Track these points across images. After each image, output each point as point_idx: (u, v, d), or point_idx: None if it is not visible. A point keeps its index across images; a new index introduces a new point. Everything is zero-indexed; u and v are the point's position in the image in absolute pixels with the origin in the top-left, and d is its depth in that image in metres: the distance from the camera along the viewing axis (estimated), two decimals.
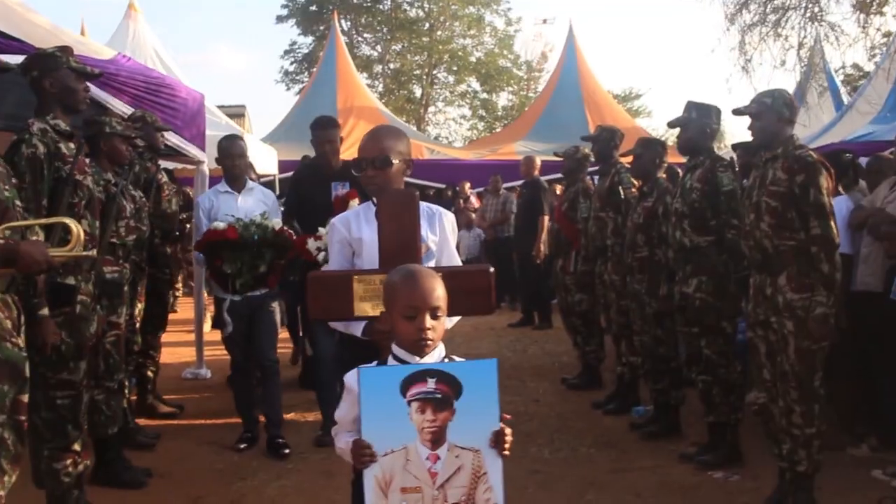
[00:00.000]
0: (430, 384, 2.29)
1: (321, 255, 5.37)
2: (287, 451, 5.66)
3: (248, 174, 6.66)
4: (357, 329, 3.06)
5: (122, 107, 6.06)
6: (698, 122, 5.44)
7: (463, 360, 2.50)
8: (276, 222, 5.69)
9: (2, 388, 3.17)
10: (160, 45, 13.08)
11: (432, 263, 3.13)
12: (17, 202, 3.43)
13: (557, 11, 45.30)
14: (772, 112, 4.53)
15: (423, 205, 3.24)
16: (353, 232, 3.24)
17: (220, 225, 5.50)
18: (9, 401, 3.23)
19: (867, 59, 12.63)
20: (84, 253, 3.58)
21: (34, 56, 4.21)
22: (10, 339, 3.24)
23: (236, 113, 20.32)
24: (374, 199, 3.17)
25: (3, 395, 3.18)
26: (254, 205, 5.89)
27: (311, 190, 6.15)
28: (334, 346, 5.66)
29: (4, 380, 3.19)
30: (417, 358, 2.45)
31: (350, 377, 2.44)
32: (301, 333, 8.00)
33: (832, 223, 4.33)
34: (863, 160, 7.16)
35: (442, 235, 3.32)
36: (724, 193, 5.24)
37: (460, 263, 3.46)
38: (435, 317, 2.43)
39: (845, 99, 15.38)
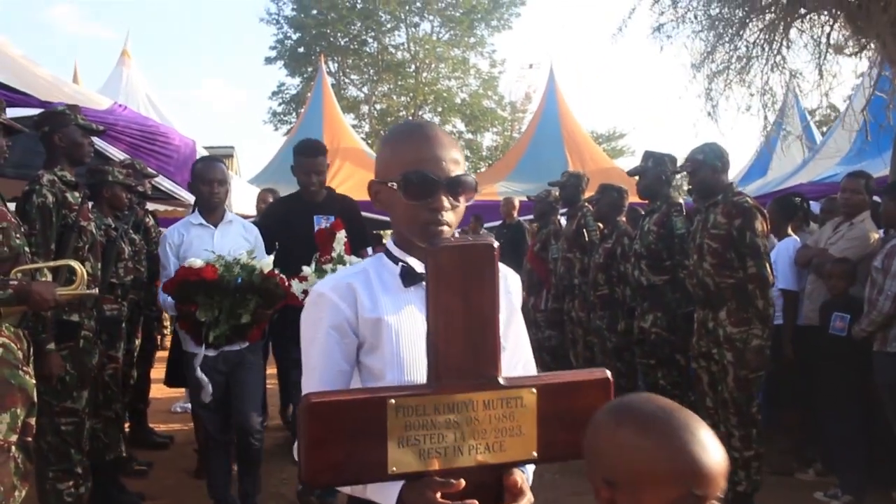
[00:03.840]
0: None
1: None
2: None
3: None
4: (388, 496, 1.75)
5: (119, 154, 6.47)
6: (654, 170, 5.90)
7: None
8: (266, 263, 4.68)
9: (16, 412, 3.57)
10: (152, 91, 13.56)
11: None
12: (27, 248, 3.85)
13: (544, 54, 45.98)
14: (706, 166, 5.00)
15: None
16: (365, 308, 1.91)
17: (198, 262, 4.52)
18: (20, 423, 3.63)
19: (823, 103, 13.04)
20: (87, 291, 4.00)
21: (46, 113, 4.66)
22: (23, 368, 3.65)
23: (225, 154, 20.65)
24: (383, 250, 2.05)
25: (16, 418, 3.58)
26: (233, 242, 4.91)
27: (291, 224, 5.28)
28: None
29: (18, 404, 3.59)
30: None
31: None
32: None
33: (766, 263, 4.76)
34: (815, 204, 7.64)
35: (509, 311, 2.05)
36: (677, 237, 5.69)
37: (532, 359, 2.15)
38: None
39: (818, 140, 15.80)
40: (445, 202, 1.87)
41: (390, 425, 1.63)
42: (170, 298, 4.70)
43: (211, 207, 5.04)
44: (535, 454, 1.73)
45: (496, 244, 1.73)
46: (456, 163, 1.91)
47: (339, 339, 1.90)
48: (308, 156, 5.27)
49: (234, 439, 5.02)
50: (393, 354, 1.89)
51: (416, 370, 1.84)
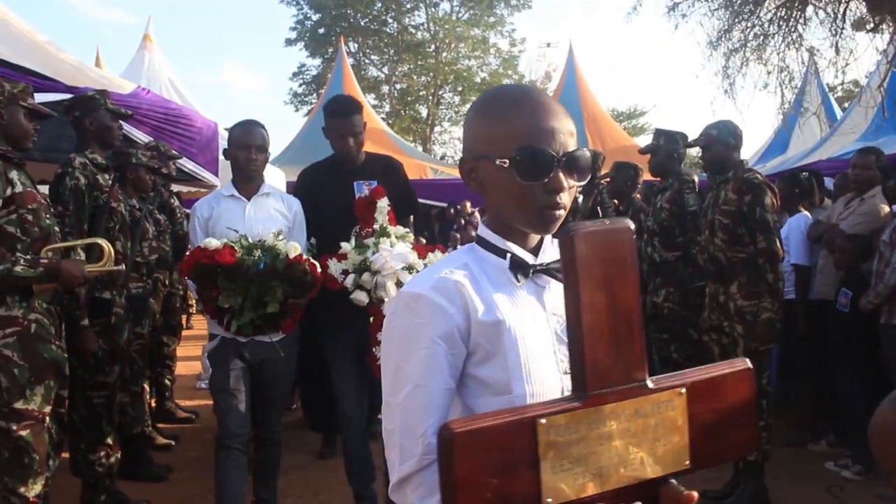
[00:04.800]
0: None
1: (349, 280, 4.05)
2: None
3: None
4: None
5: (143, 137, 6.63)
6: (666, 147, 5.99)
7: None
8: (293, 247, 4.03)
9: (49, 384, 3.76)
10: (174, 74, 13.73)
11: None
12: (56, 228, 4.02)
13: (564, 33, 45.78)
14: (719, 142, 5.09)
15: None
16: (479, 311, 1.56)
17: (214, 243, 3.93)
18: (53, 395, 3.81)
19: (840, 80, 12.97)
20: (115, 268, 4.17)
21: (77, 98, 4.84)
22: (55, 343, 3.84)
23: None
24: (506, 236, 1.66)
25: (50, 390, 3.77)
26: (268, 217, 4.35)
27: (328, 194, 4.54)
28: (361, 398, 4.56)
29: (51, 377, 3.77)
30: None
31: None
32: None
33: (776, 238, 4.86)
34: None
35: None
36: (689, 213, 5.78)
37: None
38: None
39: (839, 117, 15.73)
40: (564, 182, 1.56)
41: (542, 449, 1.38)
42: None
43: (246, 177, 4.43)
44: (688, 463, 1.51)
45: (633, 225, 1.49)
46: (572, 135, 1.60)
47: (447, 351, 1.53)
48: (341, 116, 4.53)
49: (246, 439, 4.40)
50: (518, 363, 1.56)
51: (543, 380, 1.58)
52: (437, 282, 1.56)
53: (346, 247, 4.09)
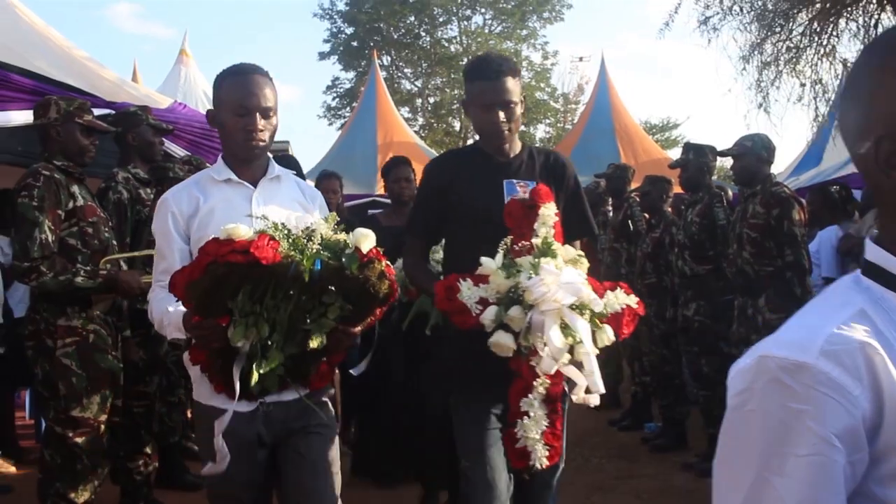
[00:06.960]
0: None
1: (489, 314, 2.62)
2: None
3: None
4: None
5: (180, 151, 6.77)
6: (696, 161, 6.03)
7: None
8: (365, 236, 2.44)
9: (105, 394, 3.92)
10: (210, 88, 13.95)
11: None
12: (114, 241, 4.21)
13: (597, 45, 45.69)
14: (752, 154, 5.14)
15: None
16: None
17: (243, 230, 2.32)
18: (109, 404, 3.95)
19: None
20: None
21: (120, 114, 5.01)
22: (112, 353, 4.01)
23: (280, 149, 20.88)
24: None
25: (105, 399, 3.93)
26: (284, 212, 2.71)
27: (463, 193, 3.11)
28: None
29: (107, 386, 3.92)
30: None
31: None
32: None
33: (804, 251, 4.90)
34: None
35: None
36: (719, 227, 5.82)
37: None
38: None
39: None
40: None
41: None
42: (175, 307, 2.61)
43: (248, 156, 2.80)
44: None
45: None
46: None
47: (846, 458, 0.97)
48: (486, 78, 3.05)
49: None
50: None
51: None
52: (830, 342, 1.00)
53: (488, 264, 2.73)
